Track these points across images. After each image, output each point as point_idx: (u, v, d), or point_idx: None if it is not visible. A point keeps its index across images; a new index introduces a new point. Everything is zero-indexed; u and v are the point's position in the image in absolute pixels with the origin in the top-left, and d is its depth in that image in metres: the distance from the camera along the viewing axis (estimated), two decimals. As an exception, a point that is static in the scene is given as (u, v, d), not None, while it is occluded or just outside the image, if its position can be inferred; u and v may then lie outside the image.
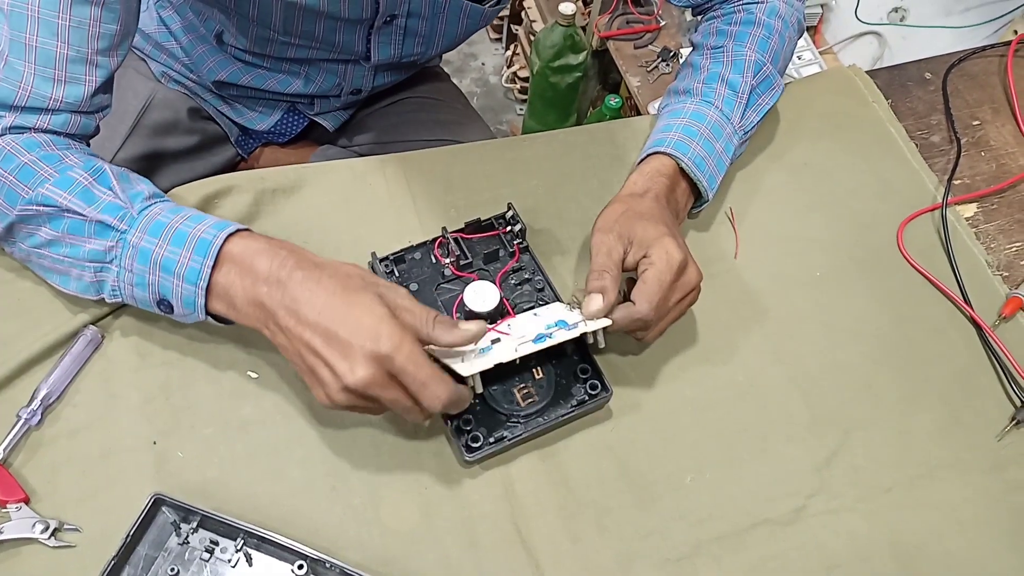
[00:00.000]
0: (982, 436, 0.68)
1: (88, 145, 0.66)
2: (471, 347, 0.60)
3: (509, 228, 0.71)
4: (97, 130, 0.66)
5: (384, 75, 0.93)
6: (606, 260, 0.63)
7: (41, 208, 0.59)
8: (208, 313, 0.59)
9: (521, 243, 0.71)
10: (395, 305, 0.56)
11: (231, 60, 0.89)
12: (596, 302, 0.62)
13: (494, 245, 0.71)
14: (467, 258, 0.70)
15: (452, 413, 0.60)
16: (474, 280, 0.67)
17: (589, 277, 0.63)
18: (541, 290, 0.70)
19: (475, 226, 0.71)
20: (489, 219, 0.71)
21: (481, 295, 0.64)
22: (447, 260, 0.70)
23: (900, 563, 0.62)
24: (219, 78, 0.90)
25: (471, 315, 0.64)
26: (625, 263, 0.64)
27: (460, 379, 0.58)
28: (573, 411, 0.64)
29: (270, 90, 0.91)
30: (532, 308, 0.67)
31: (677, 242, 0.63)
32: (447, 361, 0.59)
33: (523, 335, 0.62)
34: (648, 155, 0.72)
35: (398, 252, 0.70)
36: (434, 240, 0.71)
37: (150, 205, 0.60)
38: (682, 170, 0.71)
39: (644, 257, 0.63)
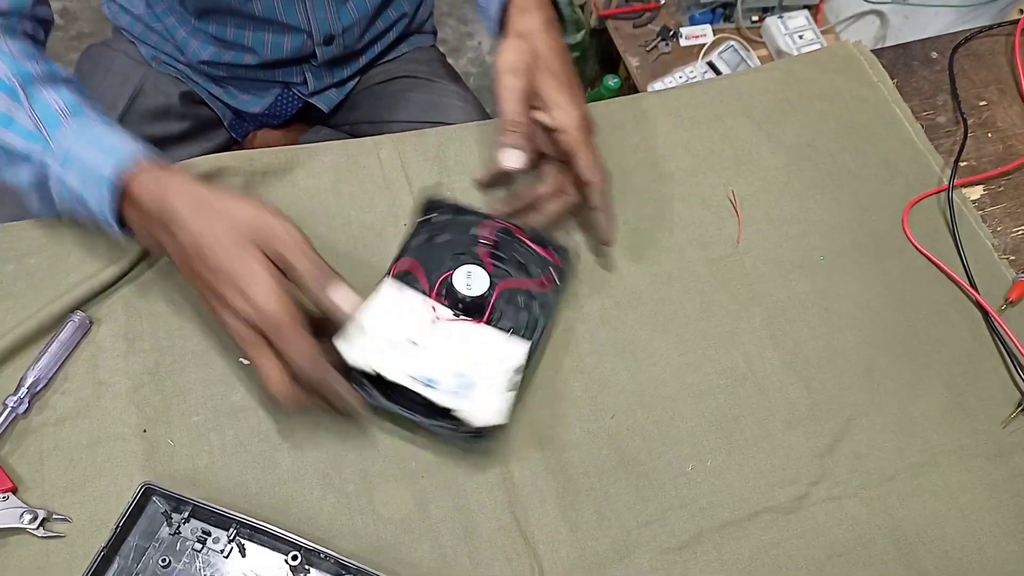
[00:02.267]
0: (987, 423, 0.67)
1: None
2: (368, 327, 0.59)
3: (555, 263, 0.68)
4: (46, 37, 0.67)
5: (348, 9, 0.90)
6: (518, 111, 0.64)
7: None
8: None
9: (556, 284, 0.67)
10: (286, 247, 0.55)
11: (210, 39, 0.87)
12: (515, 157, 0.64)
13: (533, 262, 0.68)
14: (499, 254, 0.67)
15: (332, 406, 0.58)
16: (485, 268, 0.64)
17: (503, 128, 0.64)
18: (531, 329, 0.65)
19: (536, 235, 0.68)
20: (549, 241, 0.68)
21: (469, 280, 0.63)
22: (482, 240, 0.68)
23: (902, 551, 0.62)
24: (203, 58, 0.88)
25: (452, 293, 0.63)
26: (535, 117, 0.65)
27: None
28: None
29: (246, 64, 0.89)
30: (493, 321, 0.64)
31: (581, 97, 0.66)
32: (336, 341, 0.58)
33: (428, 360, 0.59)
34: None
35: (456, 204, 0.69)
36: (487, 216, 0.69)
37: (63, 127, 0.59)
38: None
39: (560, 126, 0.64)
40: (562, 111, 0.65)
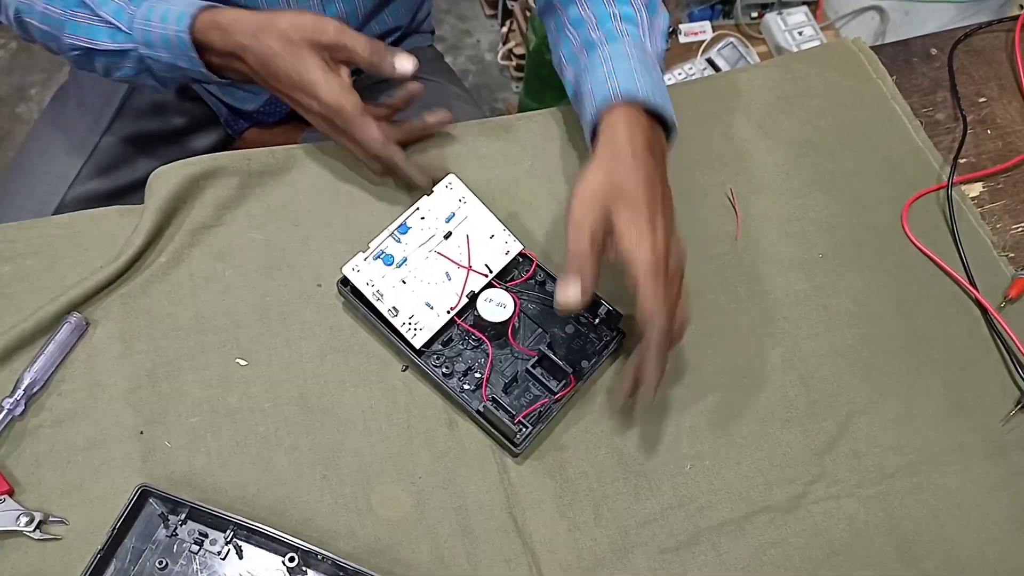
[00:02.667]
0: (986, 421, 0.67)
1: None
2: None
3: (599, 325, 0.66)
4: None
5: (336, 6, 0.88)
6: (587, 247, 0.56)
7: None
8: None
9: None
10: (335, 44, 0.64)
11: None
12: (572, 288, 0.55)
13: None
14: (530, 300, 0.67)
15: (403, 176, 0.69)
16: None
17: (566, 261, 0.56)
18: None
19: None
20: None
21: (496, 303, 0.63)
22: (516, 277, 0.67)
23: (900, 549, 0.61)
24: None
25: (481, 322, 0.63)
26: (604, 252, 0.58)
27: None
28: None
29: None
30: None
31: (657, 229, 0.57)
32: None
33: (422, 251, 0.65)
34: (601, 113, 0.63)
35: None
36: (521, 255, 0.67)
37: (132, 16, 0.65)
38: (644, 111, 0.63)
39: (626, 263, 0.56)
40: (629, 244, 0.56)
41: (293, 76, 0.64)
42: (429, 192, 0.67)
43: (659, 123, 0.65)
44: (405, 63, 0.65)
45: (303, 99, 0.65)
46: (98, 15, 0.66)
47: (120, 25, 0.66)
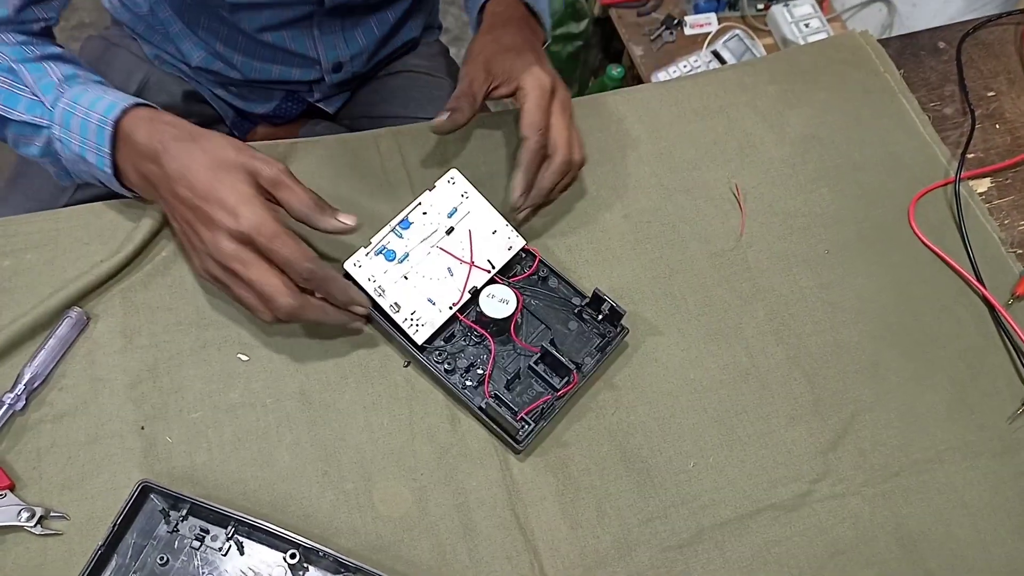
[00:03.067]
0: (992, 419, 0.66)
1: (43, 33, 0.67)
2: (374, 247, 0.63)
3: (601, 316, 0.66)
4: (44, 31, 0.67)
5: (356, 36, 0.89)
6: (467, 88, 0.67)
7: None
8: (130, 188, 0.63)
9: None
10: (274, 181, 0.57)
11: (217, 56, 0.87)
12: (442, 116, 0.66)
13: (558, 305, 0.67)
14: (536, 297, 0.67)
15: (338, 301, 0.60)
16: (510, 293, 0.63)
17: (448, 102, 0.66)
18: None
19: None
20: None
21: (499, 299, 0.63)
22: (518, 273, 0.67)
23: (906, 548, 0.61)
24: (209, 68, 0.88)
25: (483, 318, 0.63)
26: (496, 93, 0.68)
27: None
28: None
29: (253, 79, 0.89)
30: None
31: (545, 68, 0.68)
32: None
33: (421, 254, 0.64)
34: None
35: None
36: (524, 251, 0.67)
37: (60, 94, 0.61)
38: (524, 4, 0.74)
39: (518, 89, 0.67)
40: (520, 75, 0.67)
41: (213, 187, 0.56)
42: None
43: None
44: (346, 221, 0.58)
45: (217, 215, 0.55)
46: (24, 83, 0.62)
47: (43, 100, 0.61)
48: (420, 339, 0.62)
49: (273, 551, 0.57)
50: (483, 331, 0.63)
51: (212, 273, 0.58)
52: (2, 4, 0.63)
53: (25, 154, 0.65)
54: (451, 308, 0.63)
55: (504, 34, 0.71)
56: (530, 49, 0.70)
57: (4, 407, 0.59)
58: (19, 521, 0.56)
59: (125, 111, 0.59)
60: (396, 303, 0.62)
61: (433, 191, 0.66)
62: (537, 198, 0.68)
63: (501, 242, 0.66)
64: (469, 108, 0.66)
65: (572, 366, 0.62)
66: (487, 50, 0.69)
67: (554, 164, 0.67)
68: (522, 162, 0.66)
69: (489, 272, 0.65)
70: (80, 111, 0.60)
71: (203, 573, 0.56)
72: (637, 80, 1.48)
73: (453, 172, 0.67)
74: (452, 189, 0.66)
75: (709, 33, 1.48)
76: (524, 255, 0.67)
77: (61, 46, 0.67)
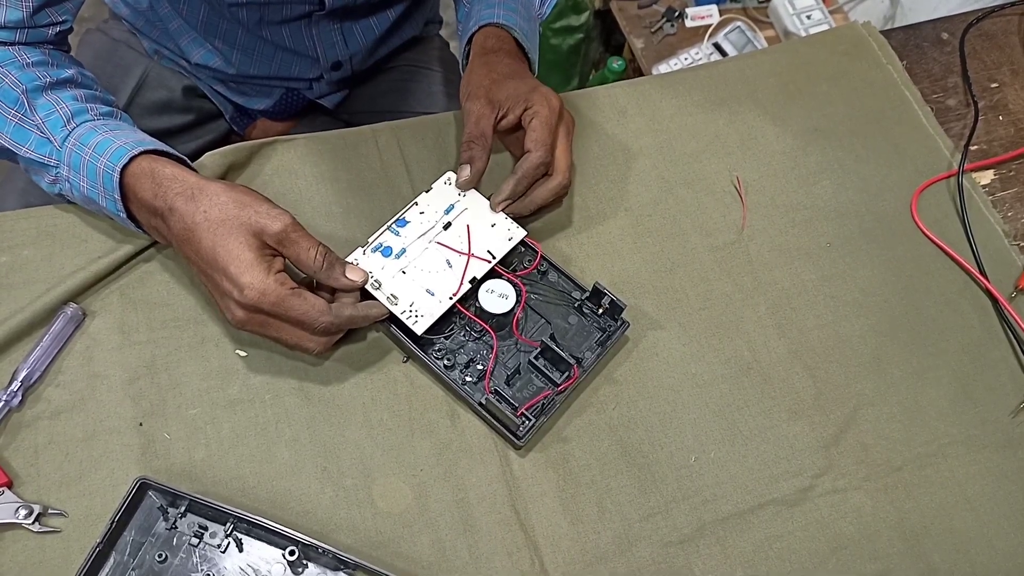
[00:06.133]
0: (995, 413, 0.66)
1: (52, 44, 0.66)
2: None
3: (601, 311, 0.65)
4: (58, 37, 0.66)
5: (355, 35, 0.89)
6: (474, 128, 0.65)
7: None
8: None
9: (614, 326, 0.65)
10: (279, 239, 0.56)
11: (216, 52, 0.86)
12: (464, 172, 0.64)
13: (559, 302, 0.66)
14: (533, 287, 0.66)
15: (363, 326, 0.62)
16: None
17: (461, 147, 0.65)
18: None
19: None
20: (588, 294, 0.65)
21: (498, 294, 0.62)
22: (518, 267, 0.66)
23: (908, 543, 0.61)
24: (208, 64, 0.87)
25: (483, 313, 0.63)
26: (505, 123, 0.66)
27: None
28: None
29: (251, 75, 0.88)
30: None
31: (551, 90, 0.67)
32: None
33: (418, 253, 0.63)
34: (479, 28, 0.72)
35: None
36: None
37: (68, 135, 0.60)
38: (514, 40, 0.72)
39: (526, 110, 0.65)
40: (528, 102, 0.66)
41: (214, 252, 0.55)
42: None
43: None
44: (354, 278, 0.59)
45: (220, 281, 0.56)
46: (33, 119, 0.61)
47: (52, 139, 0.60)
48: (419, 330, 0.61)
49: (272, 548, 0.56)
50: (485, 325, 0.63)
51: (241, 327, 0.58)
52: (15, 6, 0.62)
53: (37, 182, 0.65)
54: (451, 299, 0.63)
55: (497, 63, 0.69)
56: (528, 75, 0.69)
57: (1, 403, 0.59)
58: (17, 518, 0.56)
59: (132, 160, 0.58)
60: (393, 295, 0.62)
61: (430, 192, 0.66)
62: (523, 209, 0.67)
63: (501, 233, 0.65)
64: (484, 151, 0.65)
65: (572, 361, 0.61)
66: (484, 82, 0.67)
67: (551, 184, 0.66)
68: (519, 171, 0.65)
69: (489, 262, 0.64)
70: (87, 154, 0.59)
71: (202, 570, 0.55)
72: (638, 73, 1.47)
73: (450, 173, 0.67)
74: (449, 189, 0.66)
75: (710, 25, 1.47)
76: (524, 249, 0.67)
77: (75, 60, 0.67)
